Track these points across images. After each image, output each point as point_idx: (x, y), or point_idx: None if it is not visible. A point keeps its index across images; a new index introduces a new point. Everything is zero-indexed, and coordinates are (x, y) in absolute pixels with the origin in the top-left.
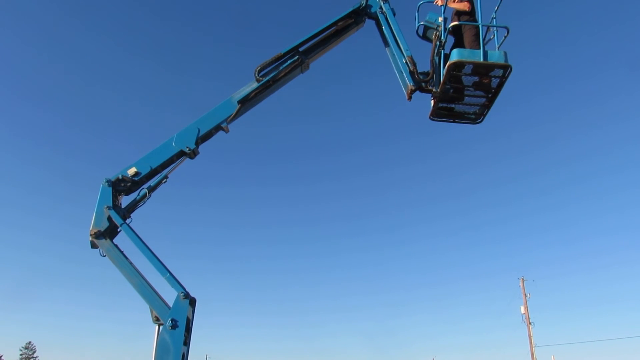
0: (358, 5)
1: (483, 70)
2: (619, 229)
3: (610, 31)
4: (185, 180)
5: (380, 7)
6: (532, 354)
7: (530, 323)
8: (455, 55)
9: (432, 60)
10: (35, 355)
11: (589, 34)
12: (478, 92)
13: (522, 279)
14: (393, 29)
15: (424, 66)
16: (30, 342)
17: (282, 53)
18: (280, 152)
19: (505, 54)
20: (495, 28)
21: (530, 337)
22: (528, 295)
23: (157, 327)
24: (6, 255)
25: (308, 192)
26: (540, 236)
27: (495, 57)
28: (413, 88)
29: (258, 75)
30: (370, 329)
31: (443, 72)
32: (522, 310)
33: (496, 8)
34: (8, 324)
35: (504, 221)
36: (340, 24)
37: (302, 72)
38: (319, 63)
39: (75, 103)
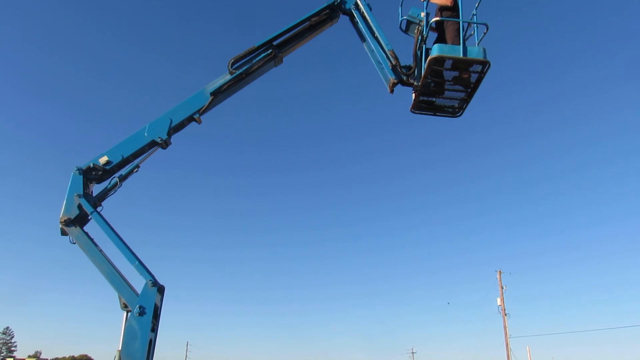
0: (332, 1)
1: (463, 65)
2: (594, 224)
3: (584, 31)
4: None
5: (356, 4)
6: (507, 344)
7: (505, 314)
8: (436, 50)
9: (415, 54)
10: (13, 340)
11: (562, 33)
12: (458, 87)
13: (500, 271)
14: (371, 24)
15: (406, 60)
16: (8, 328)
17: (256, 46)
18: (279, 140)
19: (484, 50)
20: (475, 24)
21: (505, 328)
22: (504, 287)
23: (125, 313)
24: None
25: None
26: (519, 229)
27: (475, 53)
28: (395, 81)
29: (231, 67)
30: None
31: (424, 66)
32: (499, 301)
33: (477, 5)
34: None
35: (484, 214)
36: (314, 19)
37: (275, 65)
38: (297, 56)
39: (80, 99)
